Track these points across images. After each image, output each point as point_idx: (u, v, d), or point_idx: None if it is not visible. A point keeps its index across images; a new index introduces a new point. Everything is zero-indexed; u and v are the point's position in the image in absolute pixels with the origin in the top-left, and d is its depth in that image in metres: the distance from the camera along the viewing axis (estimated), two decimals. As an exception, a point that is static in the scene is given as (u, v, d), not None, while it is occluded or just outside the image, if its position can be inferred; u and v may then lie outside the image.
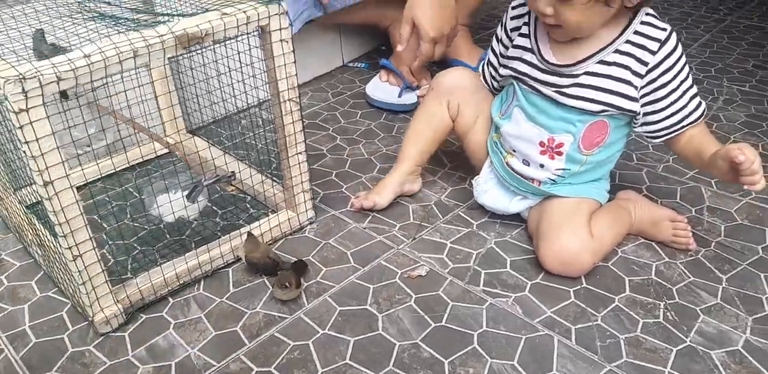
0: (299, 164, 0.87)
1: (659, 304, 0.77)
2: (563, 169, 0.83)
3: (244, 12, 0.71)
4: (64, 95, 0.85)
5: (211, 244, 0.84)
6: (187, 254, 0.82)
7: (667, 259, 0.85)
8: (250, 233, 0.82)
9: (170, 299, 0.79)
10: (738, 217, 0.92)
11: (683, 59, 0.77)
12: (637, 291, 0.79)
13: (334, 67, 1.44)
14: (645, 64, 0.75)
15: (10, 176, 0.90)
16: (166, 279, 0.79)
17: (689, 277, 0.81)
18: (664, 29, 0.76)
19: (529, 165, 0.84)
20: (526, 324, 0.74)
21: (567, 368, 0.69)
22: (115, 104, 0.92)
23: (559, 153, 0.81)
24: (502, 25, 0.86)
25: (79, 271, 0.69)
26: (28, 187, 0.93)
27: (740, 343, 0.71)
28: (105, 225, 0.92)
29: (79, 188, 0.73)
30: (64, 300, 0.80)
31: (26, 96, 0.59)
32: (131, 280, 0.78)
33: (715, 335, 0.73)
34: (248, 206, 0.96)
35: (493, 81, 0.91)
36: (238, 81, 0.87)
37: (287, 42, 0.76)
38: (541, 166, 0.83)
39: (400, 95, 1.23)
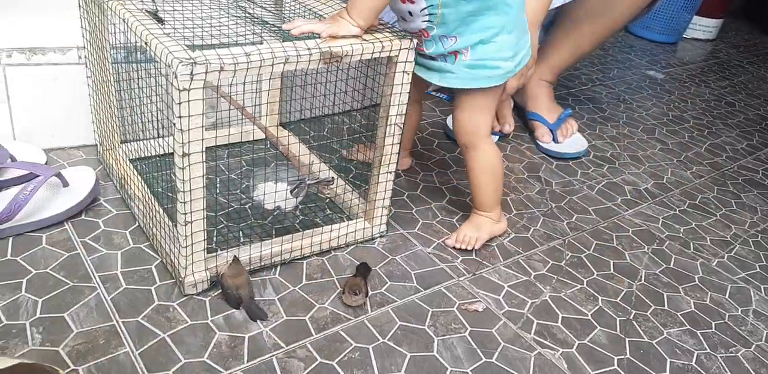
0: (387, 181, 0.90)
1: (696, 391, 0.78)
2: (427, 7, 0.79)
3: (381, 42, 0.75)
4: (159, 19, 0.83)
5: (294, 235, 0.87)
6: (272, 240, 0.85)
7: (708, 350, 0.85)
8: (236, 258, 0.79)
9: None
10: (779, 325, 0.93)
11: None
12: (675, 373, 0.81)
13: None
14: None
15: (121, 129, 0.95)
16: (250, 258, 0.81)
17: (727, 372, 0.82)
18: None
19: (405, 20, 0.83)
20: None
21: (601, 430, 0.70)
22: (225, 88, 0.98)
23: None
24: None
25: (186, 236, 0.72)
26: (134, 142, 0.98)
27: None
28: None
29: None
30: (154, 254, 0.83)
31: (192, 78, 0.63)
32: (222, 252, 0.80)
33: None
34: (326, 206, 1.00)
35: None
36: (343, 91, 0.91)
37: (408, 74, 0.80)
38: (410, 14, 0.81)
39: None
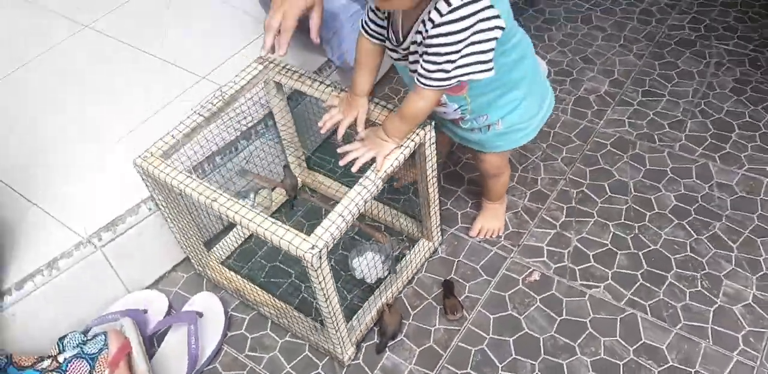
0: (436, 213, 1.09)
1: (697, 275, 1.10)
2: (458, 107, 0.92)
3: (411, 140, 0.88)
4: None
5: (388, 280, 1.09)
6: (378, 292, 1.07)
7: (695, 236, 1.15)
8: (391, 306, 1.03)
9: (374, 328, 1.07)
10: (737, 189, 1.21)
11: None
12: (680, 266, 1.11)
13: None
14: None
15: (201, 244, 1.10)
16: (372, 316, 1.06)
17: (712, 249, 1.13)
18: (448, 3, 0.74)
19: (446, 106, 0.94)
20: (616, 308, 1.06)
21: (649, 336, 1.03)
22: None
23: (439, 101, 0.89)
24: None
25: (335, 327, 0.93)
26: (215, 246, 1.16)
27: (750, 298, 1.06)
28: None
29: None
30: (300, 341, 1.07)
31: (321, 259, 0.79)
32: (351, 322, 1.04)
33: (734, 294, 1.07)
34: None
35: None
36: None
37: (431, 149, 0.94)
38: (444, 113, 0.95)
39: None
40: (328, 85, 0.95)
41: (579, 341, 1.04)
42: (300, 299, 1.13)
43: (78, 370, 0.87)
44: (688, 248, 1.14)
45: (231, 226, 1.23)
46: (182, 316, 1.07)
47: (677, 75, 1.45)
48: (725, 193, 1.22)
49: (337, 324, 0.92)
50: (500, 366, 1.02)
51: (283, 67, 1.00)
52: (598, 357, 1.02)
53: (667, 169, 1.27)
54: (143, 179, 0.92)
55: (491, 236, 1.18)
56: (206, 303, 1.11)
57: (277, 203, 1.26)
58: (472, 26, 0.73)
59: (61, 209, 1.08)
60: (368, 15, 0.87)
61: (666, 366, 1.00)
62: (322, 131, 0.93)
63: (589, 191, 1.24)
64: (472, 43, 0.74)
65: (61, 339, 0.96)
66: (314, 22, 1.00)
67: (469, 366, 1.02)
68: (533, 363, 1.02)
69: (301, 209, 1.27)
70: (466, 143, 1.02)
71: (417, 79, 0.81)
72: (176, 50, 1.35)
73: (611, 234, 1.17)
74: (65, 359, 0.88)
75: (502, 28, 0.75)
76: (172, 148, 0.90)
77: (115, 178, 1.11)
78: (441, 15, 0.72)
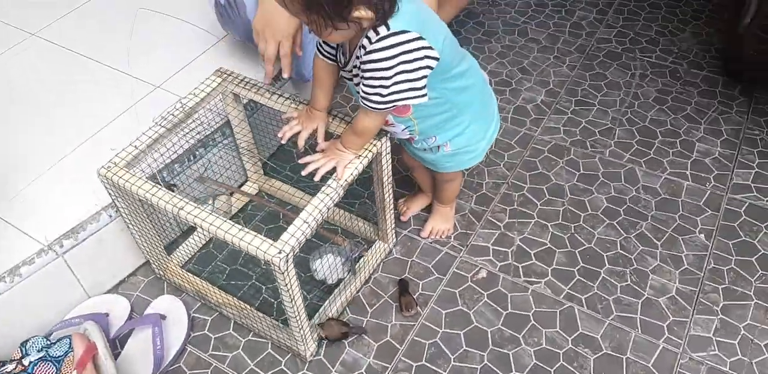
0: (391, 216, 1.15)
1: (626, 271, 1.20)
2: (405, 127, 0.98)
3: (369, 150, 0.94)
4: (170, 188, 1.05)
5: (346, 281, 1.14)
6: (335, 293, 1.13)
7: (625, 234, 1.26)
8: (327, 322, 1.07)
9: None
10: (661, 191, 1.33)
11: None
12: (612, 263, 1.22)
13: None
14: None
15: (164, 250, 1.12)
16: (329, 313, 1.11)
17: (639, 246, 1.24)
18: (377, 33, 0.79)
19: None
20: (556, 301, 1.16)
21: (586, 326, 1.13)
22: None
23: (387, 121, 0.96)
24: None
25: (299, 325, 0.98)
26: (176, 250, 1.18)
27: (674, 290, 1.18)
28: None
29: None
30: (263, 340, 1.11)
31: (287, 263, 0.84)
32: (313, 321, 1.08)
33: (659, 287, 1.18)
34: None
35: None
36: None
37: (387, 158, 1.00)
38: (393, 126, 0.99)
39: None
40: (287, 98, 1.00)
41: (523, 332, 1.12)
42: (261, 300, 1.17)
43: (45, 372, 0.88)
44: (618, 246, 1.25)
45: (190, 231, 1.25)
46: (146, 319, 1.09)
47: (606, 86, 1.58)
48: (650, 195, 1.34)
49: (301, 323, 0.96)
50: (452, 357, 1.09)
51: (242, 80, 1.04)
52: (541, 347, 1.10)
53: (599, 173, 1.38)
54: (107, 188, 0.94)
55: (441, 237, 1.26)
56: (168, 306, 1.13)
57: (235, 208, 1.29)
58: (397, 56, 0.78)
59: (19, 217, 1.08)
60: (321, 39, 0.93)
61: (600, 353, 1.10)
62: (282, 141, 0.98)
63: (529, 194, 1.34)
64: (402, 72, 0.80)
65: (24, 343, 0.97)
66: (297, 41, 1.10)
67: (424, 358, 1.09)
68: (482, 353, 1.10)
69: (259, 213, 1.31)
70: (420, 160, 1.09)
71: (360, 101, 0.87)
72: (128, 59, 1.35)
73: (550, 234, 1.27)
74: (30, 362, 0.89)
75: (434, 59, 0.81)
76: (135, 158, 0.93)
77: (72, 186, 1.12)
78: (371, 43, 0.79)
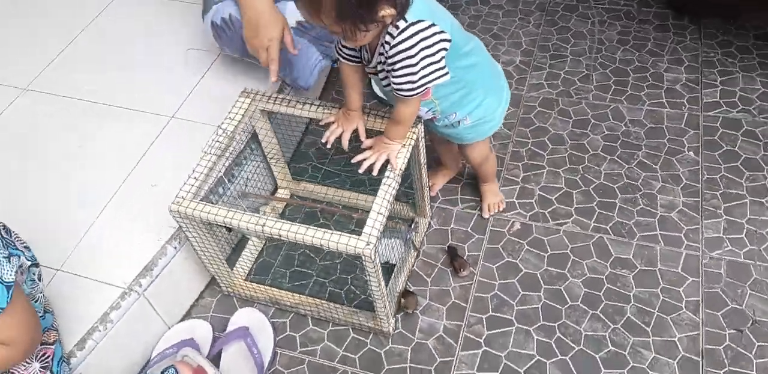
0: (427, 194, 1.25)
1: (637, 196, 1.34)
2: (429, 109, 1.07)
3: (410, 138, 1.03)
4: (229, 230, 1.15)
5: (405, 258, 1.24)
6: (395, 270, 1.22)
7: (626, 165, 1.40)
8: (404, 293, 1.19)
9: (402, 300, 1.22)
10: (645, 122, 1.47)
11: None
12: (622, 192, 1.34)
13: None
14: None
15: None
16: (399, 290, 1.21)
17: (642, 173, 1.38)
18: (396, 27, 0.88)
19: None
20: (586, 235, 1.28)
21: (617, 251, 1.26)
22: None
23: None
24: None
25: (383, 305, 1.08)
26: (236, 265, 1.25)
27: (680, 205, 1.32)
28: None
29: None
30: (342, 327, 1.20)
31: (372, 253, 0.92)
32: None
33: (668, 204, 1.33)
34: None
35: None
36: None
37: (422, 142, 1.07)
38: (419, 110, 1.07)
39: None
40: (317, 105, 1.08)
41: (567, 268, 1.25)
42: (328, 292, 1.26)
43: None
44: (624, 177, 1.39)
45: (239, 247, 1.32)
46: (235, 333, 1.16)
47: (572, 36, 1.70)
48: (638, 127, 1.48)
49: (385, 303, 1.06)
50: (514, 303, 1.21)
51: (270, 97, 1.11)
52: (585, 277, 1.24)
53: (589, 116, 1.51)
54: (178, 221, 1.00)
55: (499, 210, 1.35)
56: (248, 317, 1.21)
57: (277, 215, 1.37)
58: (418, 43, 0.88)
59: (87, 267, 1.12)
60: (340, 44, 1.00)
61: (636, 270, 1.24)
62: (328, 146, 1.06)
63: (534, 148, 1.46)
64: (425, 57, 0.89)
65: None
66: (288, 40, 1.14)
67: (490, 309, 1.21)
68: (538, 294, 1.22)
69: (298, 216, 1.39)
70: (445, 136, 1.18)
71: (395, 92, 0.96)
72: (130, 95, 1.39)
73: (563, 179, 1.40)
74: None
75: (448, 41, 0.91)
76: (198, 189, 0.99)
77: (127, 226, 1.17)
78: (393, 37, 0.88)
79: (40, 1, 1.67)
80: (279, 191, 1.38)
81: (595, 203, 1.35)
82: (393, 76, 0.93)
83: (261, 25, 1.10)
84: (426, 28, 0.88)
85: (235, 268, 1.27)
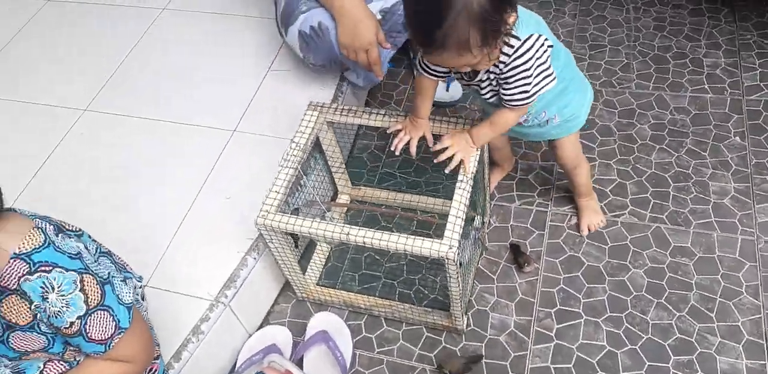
0: (488, 192, 1.28)
1: (689, 184, 1.37)
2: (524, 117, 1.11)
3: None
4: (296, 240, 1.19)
5: (473, 257, 1.23)
6: (463, 269, 1.22)
7: (676, 154, 1.42)
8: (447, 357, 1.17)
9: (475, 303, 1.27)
10: (690, 109, 1.49)
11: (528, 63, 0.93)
12: (674, 181, 1.37)
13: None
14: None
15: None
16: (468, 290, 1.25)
17: (692, 160, 1.41)
18: (511, 46, 0.92)
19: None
20: (644, 226, 1.31)
21: (675, 240, 1.29)
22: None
23: None
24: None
25: (460, 304, 1.11)
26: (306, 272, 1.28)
27: (732, 190, 1.35)
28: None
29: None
30: (416, 326, 1.24)
31: (456, 255, 0.95)
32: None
33: (720, 191, 1.36)
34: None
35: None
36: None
37: (485, 147, 1.09)
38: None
39: (447, 88, 1.54)
40: (384, 114, 1.10)
41: (628, 259, 1.29)
42: (398, 293, 1.29)
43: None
44: (674, 165, 1.41)
45: (307, 253, 1.34)
46: (316, 337, 1.20)
47: (608, 25, 1.71)
48: (683, 114, 1.50)
49: (462, 302, 1.10)
50: (580, 296, 1.25)
51: (336, 109, 1.13)
52: (647, 267, 1.27)
53: (634, 106, 1.53)
54: (264, 234, 1.04)
55: (598, 228, 1.33)
56: (326, 321, 1.25)
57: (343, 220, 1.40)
58: (531, 58, 0.91)
59: (174, 282, 1.16)
60: (427, 61, 1.01)
61: (695, 258, 1.27)
62: (396, 152, 1.08)
63: (583, 140, 1.47)
64: (538, 66, 0.92)
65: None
66: (382, 38, 1.18)
67: (558, 303, 1.25)
68: (603, 285, 1.26)
69: (359, 220, 1.42)
70: (523, 137, 1.21)
71: (505, 103, 0.98)
72: (190, 111, 1.42)
73: (615, 170, 1.42)
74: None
75: (551, 46, 0.93)
76: (281, 202, 1.02)
77: (205, 240, 1.20)
78: (509, 57, 0.91)
79: (87, 19, 1.69)
80: (340, 196, 1.42)
81: (648, 193, 1.38)
82: (505, 89, 0.96)
83: (360, 30, 1.15)
84: (536, 41, 0.91)
85: (306, 274, 1.31)
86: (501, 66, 0.92)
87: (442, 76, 1.04)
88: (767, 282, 1.23)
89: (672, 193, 1.37)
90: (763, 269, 1.25)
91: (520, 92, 0.95)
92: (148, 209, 1.26)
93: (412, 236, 0.96)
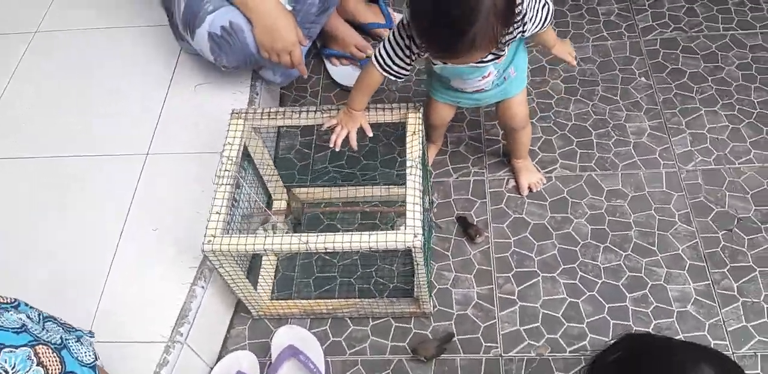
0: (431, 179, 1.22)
1: (608, 129, 1.42)
2: (496, 70, 1.11)
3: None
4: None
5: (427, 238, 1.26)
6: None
7: (590, 102, 1.46)
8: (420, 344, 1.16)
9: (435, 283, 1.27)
10: (595, 58, 1.53)
11: None
12: (594, 128, 1.41)
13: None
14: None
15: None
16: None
17: (606, 106, 1.46)
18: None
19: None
20: (576, 176, 1.35)
21: (607, 184, 1.34)
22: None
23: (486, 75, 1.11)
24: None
25: (427, 288, 1.11)
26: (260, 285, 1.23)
27: (648, 128, 1.41)
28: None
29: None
30: (382, 319, 1.23)
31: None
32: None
33: (637, 130, 1.42)
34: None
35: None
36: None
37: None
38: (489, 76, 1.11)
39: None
40: (317, 111, 1.06)
41: (569, 210, 1.33)
42: (358, 290, 1.27)
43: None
44: (592, 113, 1.45)
45: (253, 267, 1.28)
46: (285, 354, 1.16)
47: None
48: (590, 64, 1.54)
49: (428, 285, 1.10)
50: (533, 255, 1.28)
51: (262, 113, 1.07)
52: (587, 215, 1.32)
53: (543, 63, 1.55)
54: (211, 260, 0.98)
55: (538, 188, 1.35)
56: (290, 334, 1.20)
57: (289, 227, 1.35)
58: None
59: (117, 330, 1.07)
60: (395, 61, 0.99)
61: (629, 198, 1.33)
62: (337, 149, 1.06)
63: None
64: None
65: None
66: (301, 36, 1.16)
67: (513, 266, 1.28)
68: (552, 241, 1.30)
69: (302, 223, 1.38)
70: (483, 103, 1.19)
71: (543, 28, 1.03)
72: (88, 141, 1.31)
73: (539, 127, 1.45)
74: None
75: None
76: (225, 223, 0.96)
77: (143, 275, 1.12)
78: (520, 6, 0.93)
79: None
80: (275, 202, 1.37)
81: (574, 144, 1.42)
82: (535, 23, 0.98)
83: (279, 31, 1.09)
84: None
85: (258, 290, 1.25)
86: (519, 25, 0.95)
87: (402, 77, 1.03)
88: (696, 207, 1.31)
89: (595, 140, 1.42)
90: (689, 196, 1.33)
91: (545, 11, 0.98)
92: (70, 259, 1.16)
93: (375, 233, 0.94)
